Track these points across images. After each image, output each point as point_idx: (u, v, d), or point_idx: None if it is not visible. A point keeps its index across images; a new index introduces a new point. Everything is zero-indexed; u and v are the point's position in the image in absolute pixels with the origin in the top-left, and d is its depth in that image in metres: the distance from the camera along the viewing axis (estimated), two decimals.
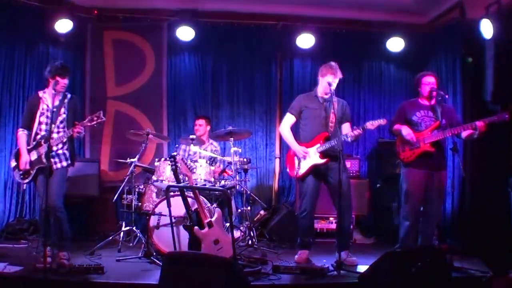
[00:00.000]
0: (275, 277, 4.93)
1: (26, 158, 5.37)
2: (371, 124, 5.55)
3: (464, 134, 5.62)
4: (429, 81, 5.82)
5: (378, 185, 7.79)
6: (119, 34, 8.25)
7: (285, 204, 7.80)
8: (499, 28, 6.34)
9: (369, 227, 7.72)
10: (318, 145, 5.71)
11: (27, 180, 5.45)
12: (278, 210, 7.65)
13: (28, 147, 5.42)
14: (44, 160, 5.26)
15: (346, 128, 5.82)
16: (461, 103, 7.26)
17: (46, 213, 5.04)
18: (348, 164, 7.54)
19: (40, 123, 5.44)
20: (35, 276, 4.61)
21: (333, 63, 5.84)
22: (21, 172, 5.44)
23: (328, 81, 5.71)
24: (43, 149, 5.31)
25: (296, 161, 5.84)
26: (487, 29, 6.45)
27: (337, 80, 5.76)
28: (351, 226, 6.56)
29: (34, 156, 5.38)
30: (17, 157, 5.46)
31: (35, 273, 4.68)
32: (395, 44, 8.13)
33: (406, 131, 5.70)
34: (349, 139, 5.64)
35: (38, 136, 5.42)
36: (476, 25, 6.58)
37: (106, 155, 8.03)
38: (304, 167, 5.73)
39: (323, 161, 5.66)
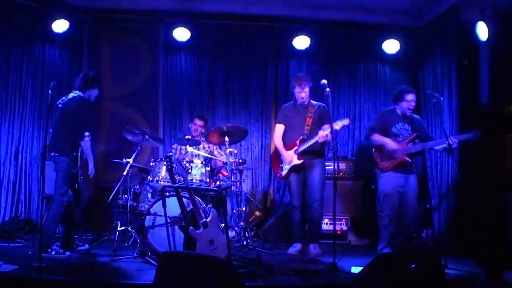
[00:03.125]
0: (270, 277, 4.92)
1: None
2: (335, 124, 5.91)
3: (439, 147, 6.11)
4: (411, 98, 6.21)
5: (372, 186, 7.79)
6: (116, 35, 8.26)
7: (280, 205, 7.81)
8: (494, 30, 6.37)
9: (363, 228, 7.71)
10: (296, 147, 6.30)
11: None
12: (273, 211, 7.66)
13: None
14: None
15: (325, 129, 6.19)
16: (456, 106, 7.25)
17: None
18: (343, 165, 7.80)
19: None
20: (30, 275, 4.60)
21: (300, 75, 6.68)
22: None
23: (297, 92, 6.39)
24: None
25: (280, 164, 6.45)
26: (482, 31, 6.48)
27: (306, 89, 6.33)
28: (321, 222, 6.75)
29: None
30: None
31: (30, 272, 4.67)
32: (391, 46, 8.15)
33: (391, 145, 6.10)
34: (319, 140, 6.12)
35: None
36: (472, 27, 6.60)
37: (102, 155, 8.01)
38: (286, 168, 6.36)
39: (299, 161, 6.27)
